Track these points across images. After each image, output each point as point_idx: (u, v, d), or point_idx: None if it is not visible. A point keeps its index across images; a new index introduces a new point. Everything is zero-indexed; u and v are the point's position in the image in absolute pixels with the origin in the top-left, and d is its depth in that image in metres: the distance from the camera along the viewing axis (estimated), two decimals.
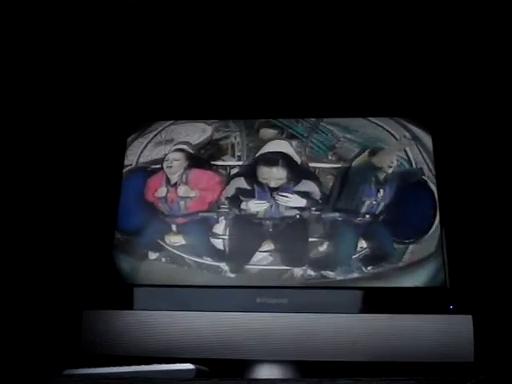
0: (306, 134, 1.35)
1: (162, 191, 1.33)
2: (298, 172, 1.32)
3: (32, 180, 1.26)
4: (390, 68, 1.39)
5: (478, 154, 1.30)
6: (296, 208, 1.28)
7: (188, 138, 1.38)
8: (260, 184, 1.31)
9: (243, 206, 1.29)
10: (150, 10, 1.26)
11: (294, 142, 1.34)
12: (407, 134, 1.32)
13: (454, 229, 1.23)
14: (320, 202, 1.28)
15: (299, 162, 1.32)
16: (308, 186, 1.30)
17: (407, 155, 1.30)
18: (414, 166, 1.30)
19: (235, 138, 1.36)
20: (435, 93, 1.36)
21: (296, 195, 1.29)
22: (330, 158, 1.32)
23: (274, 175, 1.32)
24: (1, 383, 0.96)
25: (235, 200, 1.30)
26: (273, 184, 1.31)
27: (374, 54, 1.38)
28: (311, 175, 1.31)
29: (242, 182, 1.32)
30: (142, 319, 1.20)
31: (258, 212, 1.29)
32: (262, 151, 1.35)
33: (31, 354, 1.14)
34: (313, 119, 1.36)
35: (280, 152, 1.34)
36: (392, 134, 1.33)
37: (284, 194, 1.29)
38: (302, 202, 1.29)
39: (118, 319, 1.20)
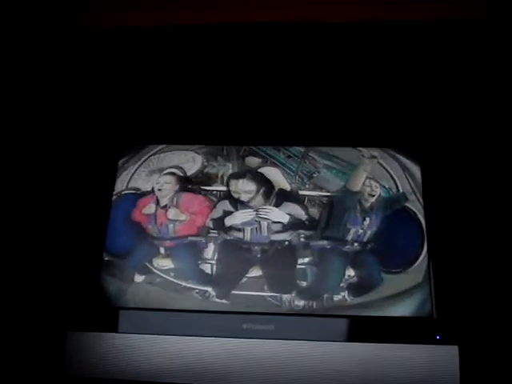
0: (291, 165, 1.36)
1: (151, 208, 1.33)
2: (282, 195, 1.33)
3: (22, 200, 1.25)
4: (380, 101, 1.41)
5: (465, 185, 1.31)
6: (282, 231, 1.29)
7: (180, 163, 1.38)
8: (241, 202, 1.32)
9: (227, 222, 1.30)
10: (146, 35, 1.28)
11: (283, 171, 1.35)
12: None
13: (442, 259, 1.24)
14: (306, 224, 1.29)
15: (288, 188, 1.33)
16: (292, 208, 1.31)
17: (396, 185, 1.31)
18: (401, 192, 1.31)
19: (223, 167, 1.37)
20: (424, 125, 1.38)
21: (277, 210, 1.30)
22: (315, 186, 1.33)
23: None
24: None
25: (221, 221, 1.31)
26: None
27: (365, 88, 1.40)
28: (297, 200, 1.32)
29: (226, 204, 1.32)
30: (127, 343, 1.19)
31: (242, 229, 1.29)
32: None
33: (15, 374, 1.13)
34: (302, 149, 1.37)
35: (257, 172, 1.36)
36: (381, 165, 1.34)
37: (265, 207, 1.31)
38: (285, 218, 1.29)
39: (102, 342, 1.19)
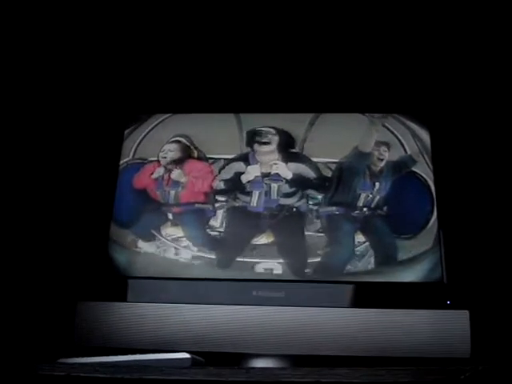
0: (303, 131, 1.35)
1: (158, 173, 1.32)
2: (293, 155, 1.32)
3: (29, 173, 1.25)
4: (389, 65, 1.39)
5: (475, 149, 1.30)
6: (291, 194, 1.28)
7: (186, 131, 1.37)
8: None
9: (243, 179, 1.30)
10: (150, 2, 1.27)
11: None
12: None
13: (452, 224, 1.23)
14: (315, 186, 1.29)
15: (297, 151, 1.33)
16: (301, 168, 1.30)
17: (404, 149, 1.30)
18: (409, 155, 1.30)
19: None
20: (433, 89, 1.36)
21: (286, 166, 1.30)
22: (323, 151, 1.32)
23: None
24: None
25: (231, 183, 1.30)
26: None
27: (374, 52, 1.39)
28: (306, 162, 1.31)
29: (239, 165, 1.32)
30: (137, 311, 1.18)
31: (250, 192, 1.28)
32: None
33: (25, 344, 1.13)
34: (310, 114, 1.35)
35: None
36: (390, 131, 1.33)
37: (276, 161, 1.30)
38: (294, 176, 1.29)
39: (112, 311, 1.19)
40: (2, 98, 1.20)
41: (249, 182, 1.30)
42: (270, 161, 1.31)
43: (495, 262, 1.21)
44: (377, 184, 1.27)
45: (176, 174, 1.32)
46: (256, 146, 1.32)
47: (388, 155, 1.30)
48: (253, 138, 1.34)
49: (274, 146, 1.32)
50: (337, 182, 1.29)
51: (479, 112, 1.33)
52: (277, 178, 1.29)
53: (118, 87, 1.42)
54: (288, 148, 1.32)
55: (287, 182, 1.29)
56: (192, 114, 1.39)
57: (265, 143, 1.32)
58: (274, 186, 1.28)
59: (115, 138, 1.36)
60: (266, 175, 1.30)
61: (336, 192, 1.28)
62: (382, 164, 1.29)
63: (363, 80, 1.40)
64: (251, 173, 1.30)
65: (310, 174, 1.29)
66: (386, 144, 1.31)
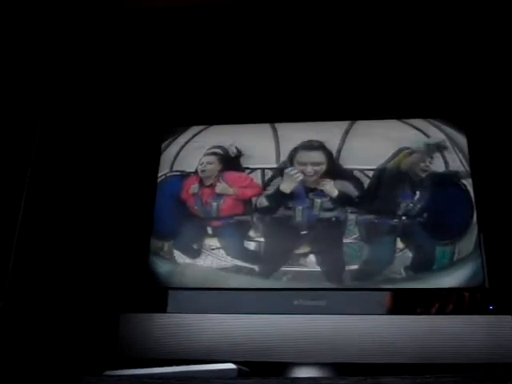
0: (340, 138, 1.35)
1: (195, 188, 1.34)
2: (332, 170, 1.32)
3: (71, 188, 1.27)
4: (424, 71, 1.39)
5: None
6: (332, 209, 1.28)
7: (222, 142, 1.38)
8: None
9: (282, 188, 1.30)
10: (188, 15, 1.28)
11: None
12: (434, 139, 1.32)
13: (492, 228, 1.22)
14: (356, 200, 1.29)
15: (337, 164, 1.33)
16: (342, 184, 1.30)
17: (443, 156, 1.30)
18: (449, 167, 1.29)
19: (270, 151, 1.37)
20: (469, 94, 1.35)
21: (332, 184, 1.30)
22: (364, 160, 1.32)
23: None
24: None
25: (272, 198, 1.31)
26: (308, 170, 1.31)
27: (409, 57, 1.38)
28: (346, 176, 1.31)
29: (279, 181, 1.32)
30: (179, 322, 1.20)
31: (293, 208, 1.29)
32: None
33: (72, 357, 1.15)
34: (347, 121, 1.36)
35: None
36: (426, 135, 1.32)
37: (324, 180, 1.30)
38: (336, 194, 1.29)
39: (154, 322, 1.20)
40: (45, 110, 1.21)
41: (290, 196, 1.30)
42: (313, 175, 1.31)
43: None
44: (417, 193, 1.27)
45: (221, 187, 1.33)
46: (308, 167, 1.33)
47: (432, 167, 1.30)
48: (295, 155, 1.34)
49: (324, 167, 1.32)
50: (375, 190, 1.29)
51: None
52: (321, 194, 1.29)
53: (155, 100, 1.44)
54: (330, 163, 1.32)
55: (331, 199, 1.29)
56: (228, 124, 1.40)
57: (317, 163, 1.33)
58: (318, 201, 1.29)
59: (153, 151, 1.38)
60: (311, 190, 1.30)
61: (375, 200, 1.28)
62: (425, 175, 1.28)
63: (398, 85, 1.39)
64: (289, 180, 1.31)
65: (352, 190, 1.30)
66: (431, 156, 1.30)
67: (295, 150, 1.34)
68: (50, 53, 1.25)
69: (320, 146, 1.34)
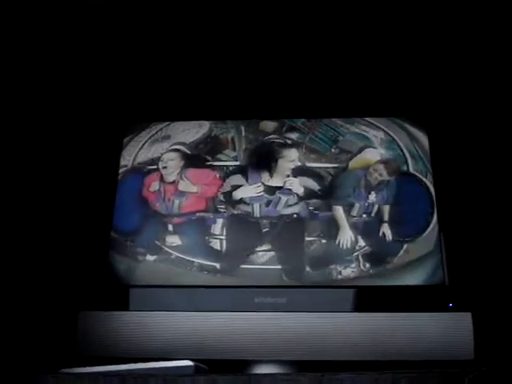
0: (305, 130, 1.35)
1: (156, 185, 1.32)
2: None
3: (28, 181, 1.25)
4: (387, 69, 1.39)
5: (474, 152, 1.30)
6: (294, 206, 1.28)
7: (184, 137, 1.38)
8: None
9: (236, 195, 1.30)
10: (147, 9, 1.27)
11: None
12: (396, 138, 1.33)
13: (452, 226, 1.23)
14: (318, 197, 1.29)
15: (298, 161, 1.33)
16: (305, 180, 1.30)
17: (403, 155, 1.31)
18: (410, 165, 1.30)
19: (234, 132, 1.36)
20: (431, 93, 1.37)
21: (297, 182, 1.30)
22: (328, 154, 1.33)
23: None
24: None
25: (229, 195, 1.30)
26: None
27: (371, 56, 1.39)
28: (307, 172, 1.31)
29: (237, 178, 1.32)
30: (139, 320, 1.18)
31: (250, 204, 1.29)
32: None
33: (27, 354, 1.13)
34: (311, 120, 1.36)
35: None
36: (389, 134, 1.33)
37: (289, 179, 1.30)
38: (301, 190, 1.29)
39: (113, 320, 1.19)
40: (2, 104, 1.19)
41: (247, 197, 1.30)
42: (281, 173, 1.31)
43: (497, 264, 1.20)
44: (372, 193, 1.27)
45: (184, 184, 1.32)
46: (290, 164, 1.32)
47: (385, 175, 1.30)
48: (258, 153, 1.35)
49: (286, 160, 1.33)
50: (336, 188, 1.29)
51: (477, 114, 1.33)
52: (288, 192, 1.29)
53: (117, 96, 1.42)
54: (294, 161, 1.33)
55: (296, 196, 1.29)
56: (190, 121, 1.39)
57: (274, 159, 1.33)
58: (284, 199, 1.28)
59: (114, 147, 1.36)
60: (278, 188, 1.30)
61: (336, 197, 1.28)
62: (379, 181, 1.29)
63: (361, 84, 1.40)
64: (251, 191, 1.30)
65: (315, 186, 1.30)
66: (385, 163, 1.31)
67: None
68: (12, 45, 1.24)
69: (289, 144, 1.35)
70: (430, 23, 1.31)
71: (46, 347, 1.17)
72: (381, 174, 1.29)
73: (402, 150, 1.31)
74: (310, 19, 1.31)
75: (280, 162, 1.32)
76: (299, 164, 1.32)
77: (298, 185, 1.29)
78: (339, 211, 1.26)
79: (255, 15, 1.30)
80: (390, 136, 1.33)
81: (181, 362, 0.98)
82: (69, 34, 1.33)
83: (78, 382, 0.91)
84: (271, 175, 1.31)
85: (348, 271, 1.22)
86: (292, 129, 1.36)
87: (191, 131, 1.38)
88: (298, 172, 1.31)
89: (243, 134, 1.36)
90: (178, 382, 0.88)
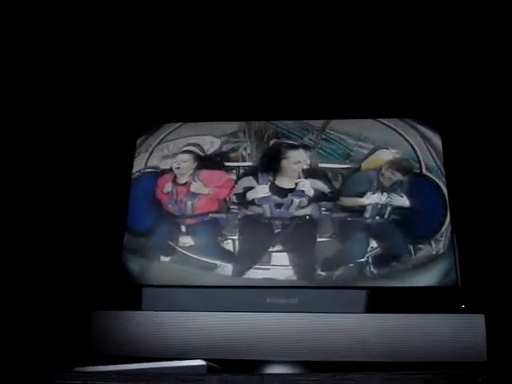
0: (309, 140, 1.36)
1: (169, 187, 1.33)
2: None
3: (43, 182, 1.26)
4: (400, 70, 1.39)
5: (487, 153, 1.29)
6: (306, 207, 1.28)
7: (197, 140, 1.38)
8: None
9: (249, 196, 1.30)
10: (163, 11, 1.28)
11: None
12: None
13: (465, 228, 1.22)
14: (330, 199, 1.29)
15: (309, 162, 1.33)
16: (316, 182, 1.31)
17: (417, 155, 1.30)
18: (423, 166, 1.30)
19: (245, 149, 1.37)
20: (444, 94, 1.36)
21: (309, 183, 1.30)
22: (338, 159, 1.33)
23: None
24: (12, 380, 0.95)
25: (242, 196, 1.31)
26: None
27: (384, 57, 1.39)
28: (319, 174, 1.31)
29: (249, 180, 1.33)
30: (151, 320, 1.19)
31: (261, 205, 1.29)
32: None
33: (41, 353, 1.13)
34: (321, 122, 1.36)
35: None
36: (402, 135, 1.33)
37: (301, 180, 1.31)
38: (311, 192, 1.29)
39: (126, 320, 1.19)
40: (17, 106, 1.20)
41: (257, 198, 1.31)
42: (291, 176, 1.32)
43: (510, 265, 1.20)
44: (385, 194, 1.27)
45: (196, 186, 1.33)
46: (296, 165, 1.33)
47: (398, 176, 1.30)
48: (266, 155, 1.35)
49: (291, 161, 1.33)
50: (349, 189, 1.29)
51: (491, 115, 1.32)
52: (300, 194, 1.29)
53: (130, 97, 1.43)
54: (305, 162, 1.33)
55: (308, 198, 1.29)
56: (203, 122, 1.40)
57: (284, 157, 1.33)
58: (296, 201, 1.29)
59: (128, 148, 1.37)
60: (290, 191, 1.30)
61: (348, 199, 1.28)
62: (391, 182, 1.29)
63: (373, 85, 1.39)
64: (259, 192, 1.31)
65: (324, 188, 1.30)
66: (397, 163, 1.31)
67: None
68: (25, 49, 1.24)
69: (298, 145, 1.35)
70: (442, 23, 1.31)
71: (59, 346, 1.18)
72: (393, 174, 1.29)
73: (415, 151, 1.31)
74: (321, 19, 1.31)
75: (284, 162, 1.33)
76: (306, 167, 1.32)
77: (309, 186, 1.30)
78: None
79: (267, 17, 1.31)
80: (403, 137, 1.32)
81: (193, 361, 0.98)
82: (82, 35, 1.34)
83: (91, 380, 0.91)
84: (278, 176, 1.32)
85: (360, 272, 1.22)
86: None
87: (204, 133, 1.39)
88: (310, 173, 1.31)
89: (253, 135, 1.37)
90: (190, 380, 0.89)
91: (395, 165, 1.30)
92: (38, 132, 1.26)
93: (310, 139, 1.35)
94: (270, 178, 1.32)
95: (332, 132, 1.35)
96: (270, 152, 1.35)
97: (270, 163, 1.34)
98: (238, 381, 0.88)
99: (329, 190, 1.29)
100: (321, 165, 1.32)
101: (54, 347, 1.17)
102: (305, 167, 1.32)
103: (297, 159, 1.33)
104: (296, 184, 1.30)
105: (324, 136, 1.35)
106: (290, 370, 1.13)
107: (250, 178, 1.33)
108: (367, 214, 1.26)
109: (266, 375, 0.97)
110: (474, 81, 1.35)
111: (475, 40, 1.33)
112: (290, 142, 1.35)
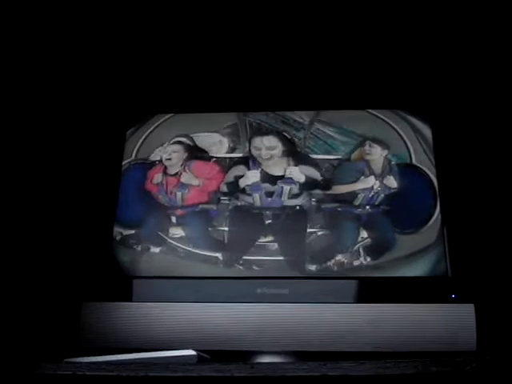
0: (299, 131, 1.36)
1: (159, 177, 1.33)
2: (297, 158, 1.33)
3: (31, 175, 1.25)
4: (391, 61, 1.39)
5: (477, 144, 1.30)
6: (297, 196, 1.28)
7: (188, 131, 1.38)
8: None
9: (241, 183, 1.31)
10: (153, 3, 1.27)
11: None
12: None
13: (455, 218, 1.23)
14: (321, 189, 1.29)
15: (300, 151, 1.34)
16: (307, 169, 1.31)
17: (407, 146, 1.31)
18: (413, 157, 1.30)
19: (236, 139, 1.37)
20: (435, 85, 1.36)
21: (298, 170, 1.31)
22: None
23: (264, 143, 1.34)
24: (3, 371, 0.95)
25: (233, 186, 1.31)
26: (264, 154, 1.33)
27: (375, 48, 1.39)
28: (311, 162, 1.32)
29: (239, 169, 1.33)
30: (142, 311, 1.19)
31: (251, 195, 1.29)
32: None
33: (31, 345, 1.13)
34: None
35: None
36: (392, 126, 1.33)
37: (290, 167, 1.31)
38: (302, 179, 1.29)
39: (117, 311, 1.19)
40: (4, 99, 1.20)
41: (248, 186, 1.31)
42: (280, 164, 1.32)
43: (499, 255, 1.20)
44: (377, 182, 1.27)
45: (186, 177, 1.33)
46: (263, 151, 1.34)
47: (378, 151, 1.31)
48: (257, 143, 1.35)
49: (280, 150, 1.33)
50: (339, 179, 1.30)
51: (481, 107, 1.33)
52: (290, 181, 1.29)
53: (120, 88, 1.43)
54: (295, 150, 1.33)
55: (299, 184, 1.29)
56: (193, 113, 1.40)
57: (271, 147, 1.33)
58: (287, 188, 1.29)
59: (117, 139, 1.37)
60: (279, 178, 1.30)
61: (339, 189, 1.28)
62: (388, 165, 1.29)
63: (364, 76, 1.40)
64: (250, 178, 1.31)
65: (316, 175, 1.30)
66: (377, 141, 1.32)
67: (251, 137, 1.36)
68: (13, 39, 1.24)
69: (271, 131, 1.36)
70: (433, 17, 1.31)
71: (49, 337, 1.17)
72: (369, 153, 1.30)
73: (405, 142, 1.31)
74: (312, 10, 1.31)
75: (274, 152, 1.34)
76: (294, 155, 1.33)
77: (298, 173, 1.30)
78: None
79: (256, 8, 1.30)
80: (393, 128, 1.32)
81: (184, 351, 0.98)
82: (72, 27, 1.33)
83: (81, 370, 0.91)
84: (267, 164, 1.32)
85: (350, 262, 1.22)
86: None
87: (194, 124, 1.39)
88: (299, 160, 1.32)
89: (246, 126, 1.37)
90: (180, 370, 0.88)
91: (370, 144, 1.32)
92: (27, 123, 1.26)
93: (299, 128, 1.35)
94: (260, 166, 1.32)
95: (322, 121, 1.35)
96: (259, 142, 1.35)
97: (260, 153, 1.34)
98: (228, 370, 0.88)
99: (321, 178, 1.30)
100: (311, 155, 1.32)
101: (45, 338, 1.17)
102: (293, 156, 1.32)
103: (285, 148, 1.33)
104: (285, 170, 1.31)
105: (314, 126, 1.35)
106: (280, 360, 1.13)
107: (241, 166, 1.33)
108: (357, 203, 1.26)
109: (257, 364, 0.96)
110: (464, 73, 1.36)
111: (465, 32, 1.34)
112: (279, 132, 1.35)
